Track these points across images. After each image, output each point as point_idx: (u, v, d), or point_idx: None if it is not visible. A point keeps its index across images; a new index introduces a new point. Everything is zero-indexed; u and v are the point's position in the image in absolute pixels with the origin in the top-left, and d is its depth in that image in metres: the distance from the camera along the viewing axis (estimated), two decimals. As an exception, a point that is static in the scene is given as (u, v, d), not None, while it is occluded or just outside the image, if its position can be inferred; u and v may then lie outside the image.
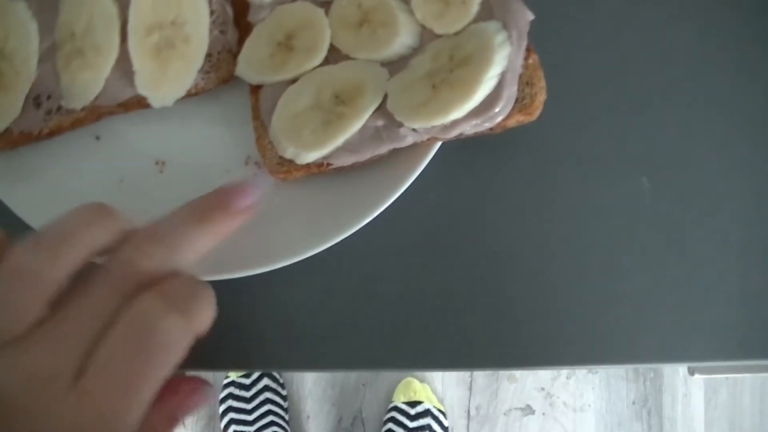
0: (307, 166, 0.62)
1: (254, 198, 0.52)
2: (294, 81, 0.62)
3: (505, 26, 0.59)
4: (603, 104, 0.71)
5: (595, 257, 0.69)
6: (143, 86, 0.62)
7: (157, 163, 0.68)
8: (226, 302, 0.63)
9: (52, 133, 0.64)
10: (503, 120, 0.60)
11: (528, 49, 0.61)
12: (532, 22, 0.61)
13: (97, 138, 0.68)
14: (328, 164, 0.62)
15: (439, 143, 0.63)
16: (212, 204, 0.50)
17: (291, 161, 0.62)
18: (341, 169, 0.62)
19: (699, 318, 0.68)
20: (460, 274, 0.69)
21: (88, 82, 0.62)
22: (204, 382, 0.50)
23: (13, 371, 0.42)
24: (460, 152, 0.66)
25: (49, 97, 0.62)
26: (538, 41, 0.61)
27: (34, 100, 0.62)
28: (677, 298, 0.69)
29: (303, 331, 0.68)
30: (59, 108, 0.63)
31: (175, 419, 0.48)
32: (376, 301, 0.68)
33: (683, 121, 0.71)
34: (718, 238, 0.69)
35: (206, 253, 0.49)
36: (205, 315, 0.46)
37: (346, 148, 0.60)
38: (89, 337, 0.43)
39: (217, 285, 0.61)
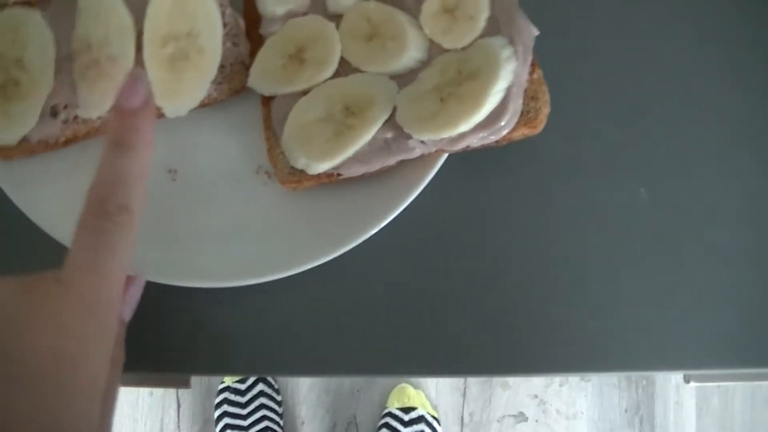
0: (318, 176, 0.63)
1: (143, 93, 0.55)
2: (305, 92, 0.64)
3: (512, 41, 0.61)
4: (603, 116, 0.73)
5: (592, 266, 0.71)
6: (158, 96, 0.64)
7: (169, 171, 0.69)
8: (222, 307, 0.66)
9: (69, 142, 0.65)
10: (509, 133, 0.62)
11: (533, 64, 0.63)
12: (536, 37, 0.62)
13: (111, 146, 0.69)
14: (338, 174, 0.63)
15: (446, 155, 0.64)
16: (119, 129, 0.55)
17: (302, 171, 0.63)
18: (350, 179, 0.64)
19: (694, 326, 0.70)
20: (458, 281, 0.71)
21: (104, 91, 0.63)
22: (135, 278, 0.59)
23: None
24: (464, 162, 0.68)
25: (65, 107, 0.64)
26: (541, 55, 0.63)
27: (51, 109, 0.64)
28: (673, 307, 0.71)
29: (298, 337, 0.69)
30: (75, 117, 0.64)
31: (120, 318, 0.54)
32: (372, 307, 0.71)
33: (681, 133, 0.73)
34: (714, 248, 0.72)
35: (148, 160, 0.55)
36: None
37: (356, 158, 0.62)
38: None
39: (214, 290, 0.63)
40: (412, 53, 0.62)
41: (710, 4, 0.75)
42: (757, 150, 0.72)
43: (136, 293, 0.60)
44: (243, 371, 0.71)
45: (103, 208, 0.51)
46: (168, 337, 0.68)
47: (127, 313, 0.60)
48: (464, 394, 2.05)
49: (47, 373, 0.43)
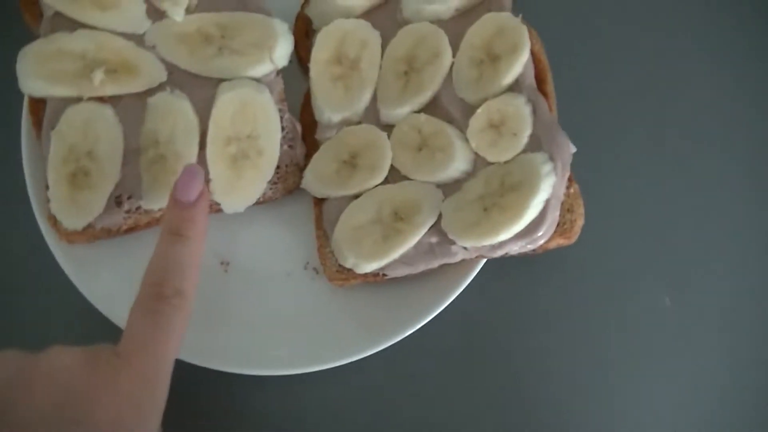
0: (365, 275, 0.67)
1: (198, 186, 0.60)
2: (356, 196, 0.68)
3: (551, 157, 0.65)
4: (632, 228, 0.79)
5: (617, 368, 0.75)
6: (218, 192, 0.68)
7: (222, 263, 0.73)
8: (266, 394, 0.69)
9: (130, 230, 0.69)
10: (545, 242, 0.66)
11: (570, 179, 0.67)
12: (573, 154, 0.67)
13: (168, 236, 0.73)
14: (384, 274, 0.67)
15: (485, 260, 0.68)
16: (175, 220, 0.59)
17: (350, 270, 0.67)
18: (394, 279, 0.68)
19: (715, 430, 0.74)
20: (493, 376, 0.74)
21: (168, 185, 0.66)
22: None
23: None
24: (501, 267, 0.72)
25: (129, 197, 0.68)
26: (577, 171, 0.68)
27: (116, 198, 0.67)
28: (695, 409, 0.75)
29: (340, 428, 0.73)
30: (138, 207, 0.68)
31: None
32: (416, 400, 0.74)
33: (704, 244, 0.79)
34: (734, 353, 0.76)
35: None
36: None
37: (402, 260, 0.66)
38: None
39: (260, 378, 0.68)
40: (458, 165, 0.66)
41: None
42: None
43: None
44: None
45: (159, 291, 0.55)
46: (213, 423, 0.71)
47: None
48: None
49: None
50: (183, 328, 0.55)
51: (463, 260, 0.67)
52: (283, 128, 0.69)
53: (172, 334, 0.54)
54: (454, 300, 0.69)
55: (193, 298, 0.56)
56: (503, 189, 0.64)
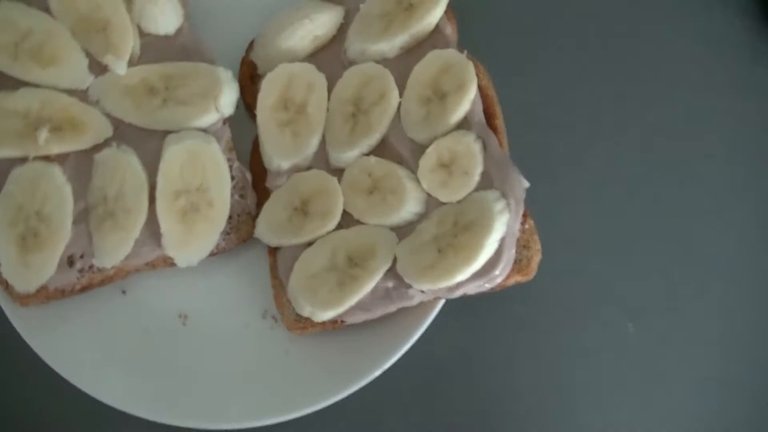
0: (323, 323, 0.66)
1: None
2: (310, 243, 0.67)
3: (504, 195, 0.65)
4: (592, 257, 0.78)
5: (584, 396, 0.75)
6: (170, 247, 0.67)
7: (180, 316, 0.73)
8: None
9: (84, 289, 0.69)
10: (503, 281, 0.65)
11: (524, 215, 0.66)
12: (527, 189, 0.66)
13: (123, 292, 0.73)
14: (342, 321, 0.66)
15: (443, 301, 0.68)
16: None
17: (308, 318, 0.67)
18: (353, 325, 0.67)
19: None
20: (460, 414, 0.74)
21: (119, 242, 0.66)
22: None
23: None
24: (460, 306, 0.71)
25: (82, 256, 0.67)
26: (532, 205, 0.67)
27: (68, 258, 0.67)
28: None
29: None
30: (91, 266, 0.67)
31: None
32: None
33: (664, 269, 0.79)
34: (700, 378, 0.76)
35: None
36: None
37: (359, 306, 0.65)
38: None
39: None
40: (410, 206, 0.65)
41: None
42: (737, 282, 0.78)
43: None
44: None
45: None
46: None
47: None
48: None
49: None
50: None
51: (421, 302, 0.65)
52: (233, 178, 0.69)
53: None
54: (415, 341, 0.68)
55: None
56: (457, 229, 0.63)
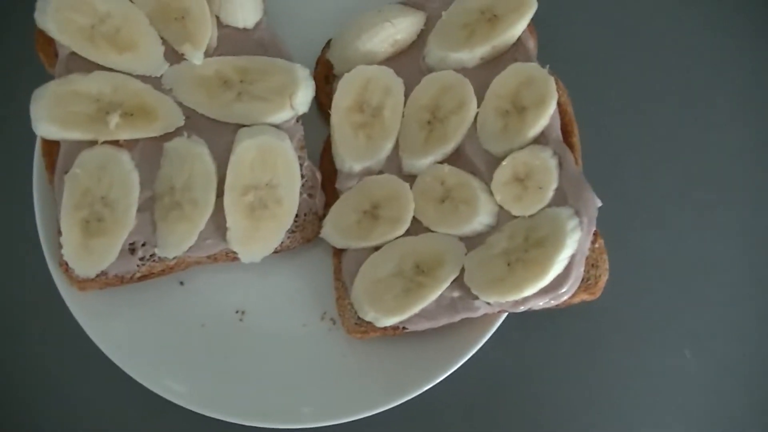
0: (384, 328, 0.66)
1: None
2: (377, 248, 0.67)
3: (577, 213, 0.64)
4: (656, 280, 0.78)
5: (641, 420, 0.75)
6: (235, 242, 0.66)
7: (237, 312, 0.72)
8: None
9: (143, 278, 0.68)
10: (569, 298, 0.65)
11: (595, 234, 0.66)
12: (599, 208, 0.66)
13: (181, 284, 0.72)
14: (404, 328, 0.66)
15: (506, 314, 0.67)
16: None
17: (369, 323, 0.66)
18: (413, 332, 0.66)
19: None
20: (513, 430, 0.73)
21: (184, 234, 0.65)
22: None
23: None
24: (523, 321, 0.72)
25: (144, 245, 0.66)
26: (601, 224, 0.66)
27: (130, 246, 0.66)
28: None
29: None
30: (152, 255, 0.66)
31: None
32: None
33: (726, 298, 0.78)
34: (759, 406, 0.76)
35: None
36: None
37: (423, 315, 0.65)
38: None
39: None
40: (482, 218, 0.65)
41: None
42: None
43: None
44: None
45: None
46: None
47: None
48: None
49: None
50: None
51: (484, 314, 0.65)
52: (302, 176, 0.68)
53: None
54: (474, 353, 0.68)
55: None
56: (528, 244, 0.63)
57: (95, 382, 0.70)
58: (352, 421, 0.67)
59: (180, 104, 0.69)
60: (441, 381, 0.67)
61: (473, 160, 0.67)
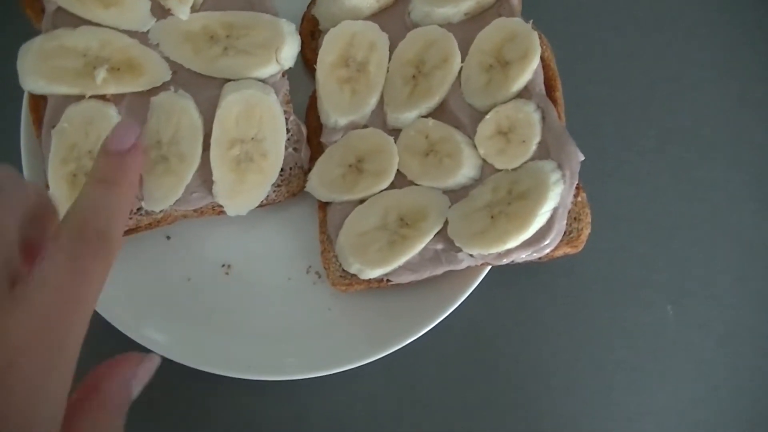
0: (368, 281, 0.66)
1: (132, 138, 0.54)
2: (362, 201, 0.68)
3: (560, 166, 0.65)
4: (638, 236, 0.79)
5: (620, 376, 0.75)
6: (221, 195, 0.67)
7: (223, 266, 0.72)
8: (263, 399, 0.68)
9: (130, 232, 0.68)
10: (551, 251, 0.65)
11: (577, 187, 0.66)
12: (581, 162, 0.66)
13: (168, 238, 0.73)
14: (388, 281, 0.66)
15: (489, 267, 0.68)
16: (104, 167, 0.52)
17: (354, 275, 0.67)
18: (398, 285, 0.67)
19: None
20: (496, 384, 0.74)
21: (170, 187, 0.66)
22: (151, 354, 0.50)
23: None
24: (504, 274, 0.72)
25: (131, 198, 0.66)
26: (584, 179, 0.67)
27: (117, 199, 0.66)
28: (697, 418, 0.75)
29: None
30: (139, 209, 0.67)
31: (130, 388, 0.48)
32: (418, 407, 0.74)
33: (707, 254, 0.79)
34: (736, 363, 0.76)
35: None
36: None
37: (407, 267, 0.65)
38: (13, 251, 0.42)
39: (257, 382, 0.67)
40: (466, 171, 0.65)
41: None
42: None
43: (146, 373, 0.51)
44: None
45: (82, 234, 0.45)
46: (207, 428, 0.70)
47: (135, 389, 0.51)
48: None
49: None
50: (103, 278, 0.45)
51: (468, 267, 0.65)
52: (288, 130, 0.69)
53: (93, 283, 0.43)
54: (457, 307, 0.68)
55: (118, 245, 0.47)
56: (511, 197, 0.63)
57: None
58: (336, 373, 0.67)
59: (167, 59, 0.69)
60: (424, 335, 0.68)
61: (457, 114, 0.68)
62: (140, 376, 0.49)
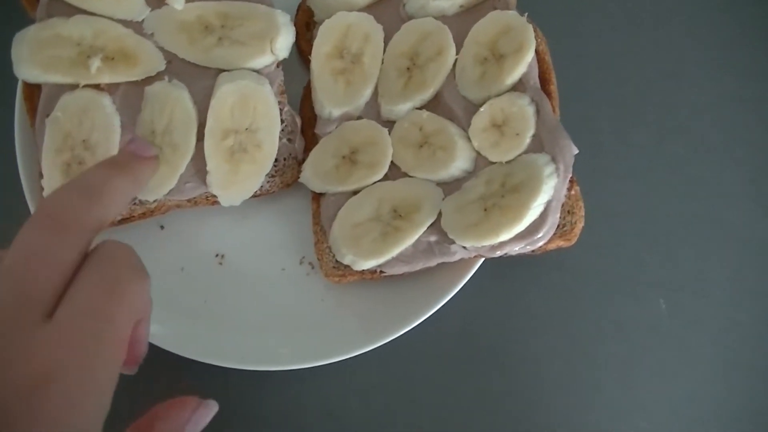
0: (362, 272, 0.66)
1: (153, 151, 0.58)
2: (355, 192, 0.68)
3: (554, 159, 0.65)
4: (631, 230, 0.79)
5: (612, 370, 0.76)
6: (215, 185, 0.67)
7: (216, 256, 0.73)
8: (258, 390, 0.68)
9: (123, 221, 0.68)
10: (545, 244, 0.66)
11: (571, 180, 0.66)
12: (575, 156, 0.66)
13: (162, 227, 0.73)
14: (381, 272, 0.67)
15: (482, 259, 0.68)
16: (125, 156, 0.56)
17: (347, 267, 0.67)
18: (391, 277, 0.67)
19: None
20: (488, 376, 0.74)
21: (164, 177, 0.66)
22: (209, 401, 0.50)
23: None
24: (498, 267, 0.72)
25: (125, 188, 0.66)
26: (578, 172, 0.67)
27: (111, 189, 0.66)
28: (689, 413, 0.75)
29: (336, 424, 0.73)
30: (134, 199, 0.66)
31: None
32: (410, 399, 0.74)
33: (700, 250, 0.79)
34: (728, 358, 0.76)
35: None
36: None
37: (400, 258, 0.66)
38: (54, 279, 0.42)
39: (251, 372, 0.67)
40: (460, 163, 0.65)
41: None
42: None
43: (202, 419, 0.50)
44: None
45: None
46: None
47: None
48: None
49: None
50: (137, 298, 0.45)
51: (461, 259, 0.65)
52: (282, 121, 0.69)
53: (121, 302, 0.43)
54: (450, 298, 0.68)
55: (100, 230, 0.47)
56: (504, 190, 0.64)
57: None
58: (329, 364, 0.67)
59: (161, 49, 0.69)
60: (417, 326, 0.68)
61: (451, 106, 0.68)
62: (195, 421, 0.50)
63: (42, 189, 0.65)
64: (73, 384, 0.39)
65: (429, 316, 0.68)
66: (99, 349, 0.41)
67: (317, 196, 0.69)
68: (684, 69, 0.81)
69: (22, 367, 0.39)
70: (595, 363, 0.73)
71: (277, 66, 0.69)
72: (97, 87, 0.67)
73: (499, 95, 0.66)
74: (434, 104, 0.68)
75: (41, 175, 0.66)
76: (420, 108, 0.68)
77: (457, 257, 0.65)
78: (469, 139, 0.66)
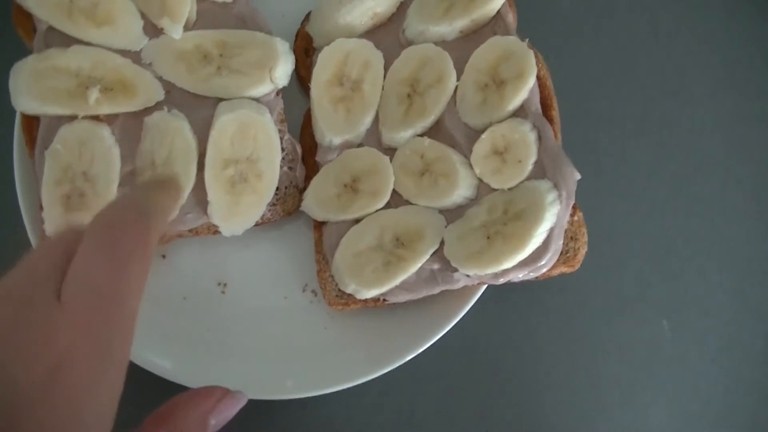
0: (365, 300, 0.66)
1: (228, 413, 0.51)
2: (357, 220, 0.67)
3: (556, 186, 0.64)
4: (633, 253, 0.79)
5: (616, 392, 0.76)
6: (216, 216, 0.66)
7: (219, 284, 0.72)
8: (261, 419, 0.68)
9: (125, 252, 0.68)
10: (548, 271, 0.65)
11: (574, 207, 0.66)
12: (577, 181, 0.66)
13: (163, 257, 0.73)
14: (384, 300, 0.66)
15: (485, 286, 0.68)
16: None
17: (350, 295, 0.66)
18: (394, 304, 0.67)
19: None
20: (492, 401, 0.74)
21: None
22: (236, 391, 0.49)
23: None
24: (502, 293, 0.72)
25: (125, 219, 0.66)
26: (580, 198, 0.66)
27: (112, 221, 0.65)
28: None
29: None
30: (135, 230, 0.66)
31: (207, 423, 0.48)
32: (413, 424, 0.74)
33: (703, 269, 0.79)
34: (731, 379, 0.76)
35: None
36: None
37: (403, 287, 0.65)
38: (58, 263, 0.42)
39: (254, 401, 0.65)
40: (462, 191, 0.65)
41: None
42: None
43: (227, 409, 0.51)
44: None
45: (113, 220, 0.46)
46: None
47: (213, 425, 0.51)
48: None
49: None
50: (142, 267, 0.44)
51: (464, 286, 0.65)
52: (282, 149, 0.68)
53: (129, 274, 0.43)
54: (454, 324, 0.68)
55: (160, 228, 0.47)
56: (507, 217, 0.63)
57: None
58: (333, 392, 0.66)
59: (160, 79, 0.68)
60: (422, 352, 0.68)
61: (453, 133, 0.67)
62: (220, 411, 0.49)
63: (42, 221, 0.64)
64: (86, 369, 0.39)
65: (432, 343, 0.66)
66: (110, 330, 0.41)
67: (319, 225, 0.69)
68: (684, 88, 0.81)
69: (39, 351, 0.38)
70: (598, 384, 0.73)
71: (277, 94, 0.69)
72: (96, 118, 0.67)
73: (500, 122, 0.66)
74: (435, 131, 0.68)
75: (41, 207, 0.65)
76: (421, 135, 0.68)
77: (460, 285, 0.65)
78: (470, 166, 0.66)
